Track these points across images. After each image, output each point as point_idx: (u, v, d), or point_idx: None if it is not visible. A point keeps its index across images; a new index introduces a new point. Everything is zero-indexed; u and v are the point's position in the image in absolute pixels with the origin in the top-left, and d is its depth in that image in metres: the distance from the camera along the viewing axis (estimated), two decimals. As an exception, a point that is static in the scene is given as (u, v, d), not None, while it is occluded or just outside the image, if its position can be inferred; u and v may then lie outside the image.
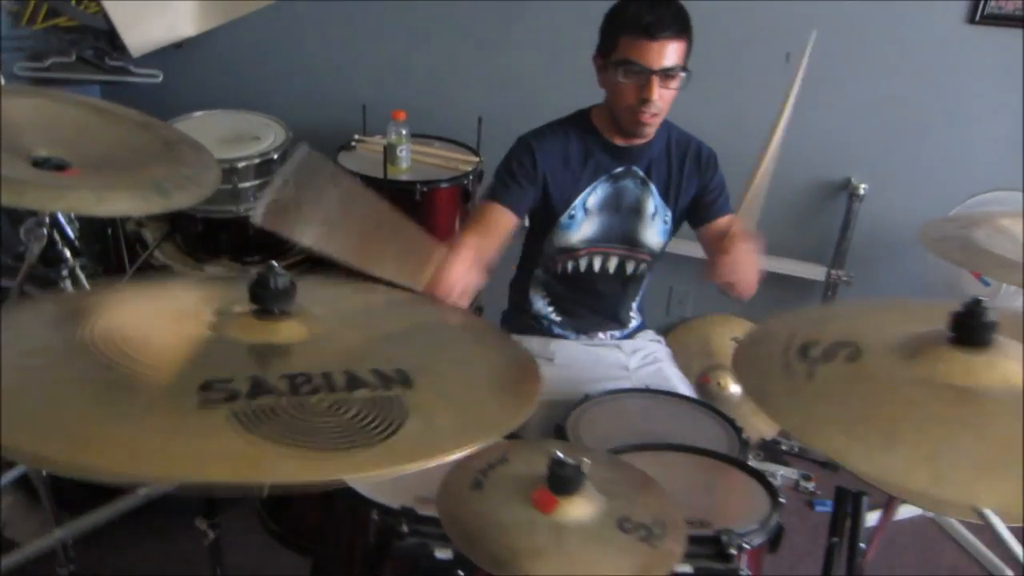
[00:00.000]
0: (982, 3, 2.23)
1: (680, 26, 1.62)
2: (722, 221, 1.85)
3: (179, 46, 2.78)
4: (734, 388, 2.63)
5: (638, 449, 1.44)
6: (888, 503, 1.45)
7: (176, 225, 2.58)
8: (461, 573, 1.10)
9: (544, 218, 1.82)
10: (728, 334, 2.74)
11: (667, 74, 1.62)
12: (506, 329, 2.01)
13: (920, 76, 2.34)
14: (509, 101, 2.64)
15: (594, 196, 1.80)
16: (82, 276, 2.37)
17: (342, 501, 1.25)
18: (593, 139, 1.79)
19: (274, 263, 0.82)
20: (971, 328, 0.86)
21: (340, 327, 0.85)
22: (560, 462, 0.99)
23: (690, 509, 1.27)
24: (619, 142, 1.78)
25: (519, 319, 1.98)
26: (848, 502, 1.60)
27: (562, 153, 1.77)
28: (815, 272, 2.56)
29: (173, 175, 1.39)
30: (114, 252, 2.72)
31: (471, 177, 2.41)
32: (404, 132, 2.36)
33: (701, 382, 2.64)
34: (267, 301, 0.82)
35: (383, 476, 0.68)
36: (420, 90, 2.68)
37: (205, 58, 2.84)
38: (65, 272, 1.71)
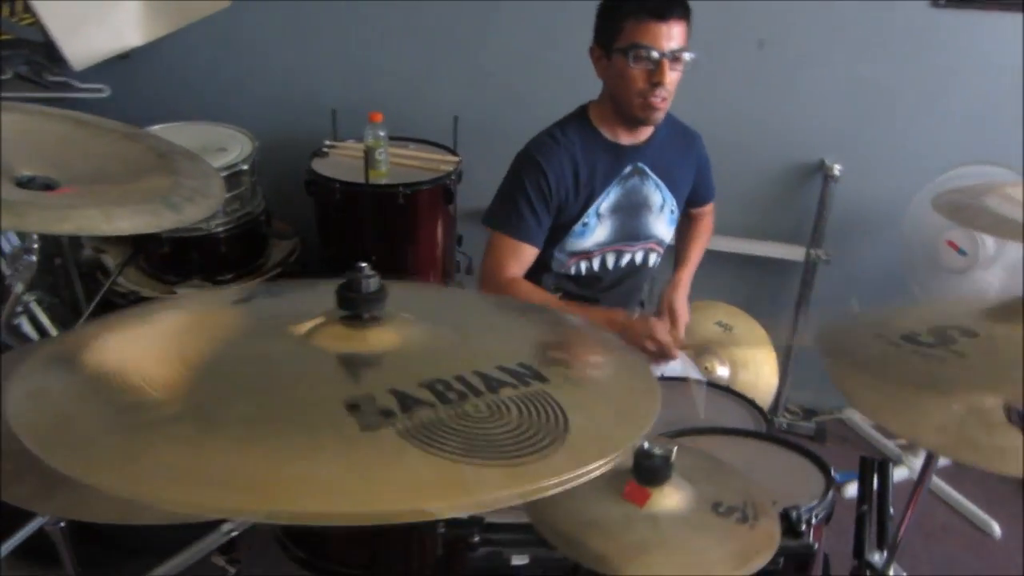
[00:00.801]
0: (945, -15, 2.32)
1: (685, 6, 1.62)
2: (703, 209, 2.01)
3: (126, 57, 2.61)
4: (722, 371, 2.65)
5: (680, 435, 1.43)
6: (916, 486, 1.47)
7: (140, 247, 2.44)
8: (539, 572, 1.06)
9: (557, 230, 1.79)
10: (712, 319, 2.75)
11: (675, 56, 1.61)
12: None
13: (888, 59, 2.41)
14: (484, 99, 2.60)
15: (607, 202, 1.78)
16: (39, 312, 2.23)
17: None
18: (597, 142, 1.75)
19: (363, 264, 0.76)
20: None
21: (424, 328, 0.79)
22: (647, 453, 0.96)
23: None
24: (623, 140, 1.76)
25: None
26: (872, 471, 1.62)
27: (572, 167, 1.73)
28: (794, 253, 2.61)
29: (177, 187, 1.30)
30: (64, 283, 2.55)
31: (452, 177, 2.36)
32: (382, 134, 2.29)
33: (690, 367, 2.66)
34: (359, 306, 0.75)
35: (580, 479, 0.61)
36: (390, 91, 2.61)
37: (156, 69, 2.70)
38: (20, 309, 1.56)
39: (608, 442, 0.66)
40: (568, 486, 0.59)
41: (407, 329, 0.77)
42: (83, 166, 1.37)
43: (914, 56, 2.39)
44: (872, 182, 2.52)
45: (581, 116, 1.77)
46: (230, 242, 2.39)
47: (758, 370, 2.49)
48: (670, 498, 0.95)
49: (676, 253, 2.02)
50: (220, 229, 2.34)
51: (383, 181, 2.31)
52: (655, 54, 1.59)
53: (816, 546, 1.15)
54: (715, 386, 1.74)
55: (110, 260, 2.47)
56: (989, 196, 1.49)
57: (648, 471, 0.95)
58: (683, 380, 1.73)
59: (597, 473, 0.62)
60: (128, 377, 0.71)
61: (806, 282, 2.65)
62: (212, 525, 1.10)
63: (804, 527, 1.15)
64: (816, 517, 1.19)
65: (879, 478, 1.62)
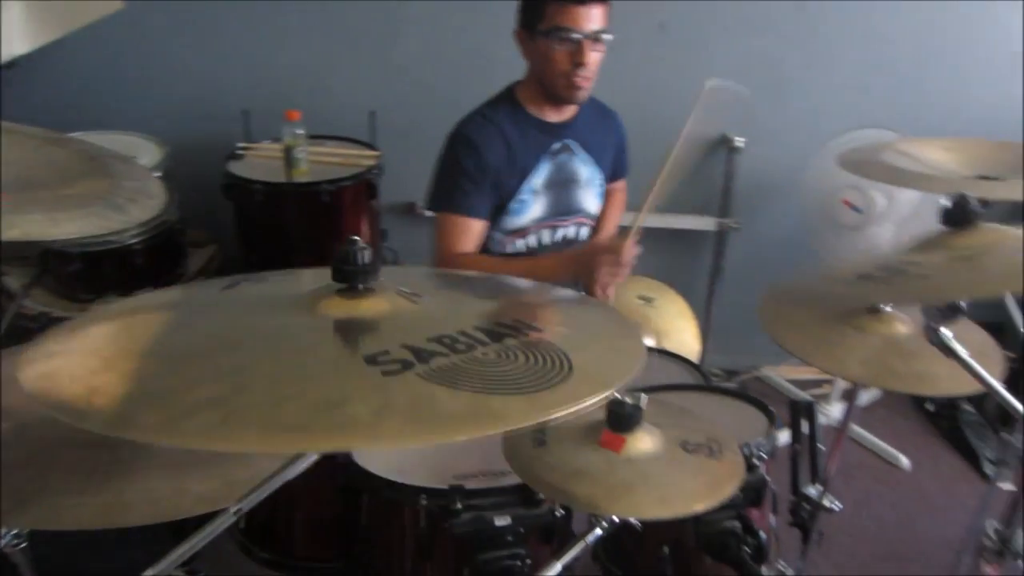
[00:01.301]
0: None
1: None
2: (617, 183, 2.09)
3: (10, 66, 2.46)
4: (647, 340, 2.77)
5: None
6: (844, 420, 1.61)
7: (47, 266, 2.32)
8: (521, 530, 1.11)
9: (493, 209, 1.83)
10: (633, 293, 2.86)
11: (596, 37, 1.68)
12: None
13: (777, 36, 2.58)
14: (399, 94, 2.61)
15: (538, 178, 1.83)
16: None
17: (376, 498, 1.21)
18: (526, 120, 1.81)
19: (356, 237, 0.78)
20: (964, 216, 1.00)
21: (417, 300, 0.82)
22: (619, 402, 1.02)
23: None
24: (550, 118, 1.82)
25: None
26: (802, 414, 1.75)
27: (504, 143, 1.77)
28: (706, 224, 2.75)
29: (117, 189, 1.27)
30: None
31: (374, 172, 2.37)
32: (300, 132, 2.27)
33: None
34: (354, 278, 0.78)
35: (595, 406, 0.66)
36: (303, 90, 2.58)
37: (46, 77, 2.56)
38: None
39: (609, 375, 0.71)
40: (581, 409, 0.64)
41: (397, 299, 0.80)
42: (9, 173, 1.32)
43: (799, 33, 2.57)
44: (772, 151, 2.68)
45: (509, 96, 1.83)
46: (146, 253, 2.30)
47: (680, 338, 2.61)
48: (643, 442, 1.01)
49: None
50: (135, 240, 2.26)
51: (305, 179, 2.29)
52: (576, 35, 1.66)
53: (768, 478, 1.25)
54: (652, 349, 1.83)
55: (13, 282, 2.34)
56: (885, 152, 1.64)
57: (621, 419, 1.02)
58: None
59: (604, 399, 0.67)
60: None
61: (719, 251, 2.80)
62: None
63: (756, 461, 1.24)
64: (765, 453, 1.28)
65: (808, 420, 1.75)
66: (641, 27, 2.55)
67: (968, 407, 2.80)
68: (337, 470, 1.22)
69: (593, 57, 1.69)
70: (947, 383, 1.28)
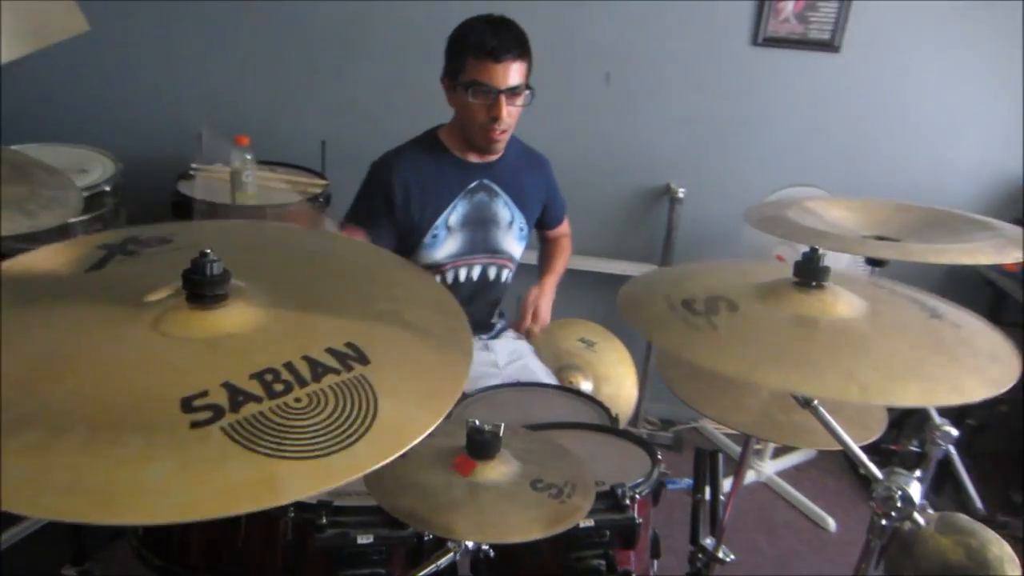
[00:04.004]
0: (762, 27, 2.60)
1: (522, 47, 1.76)
2: (560, 228, 2.17)
3: (-22, 79, 2.55)
4: (586, 385, 2.80)
5: (535, 429, 1.54)
6: (738, 468, 1.65)
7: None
8: (383, 549, 1.14)
9: (407, 241, 1.89)
10: (574, 336, 2.91)
11: (513, 92, 1.75)
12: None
13: (718, 91, 2.67)
14: (350, 125, 2.68)
15: (455, 215, 1.89)
16: None
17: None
18: (445, 158, 1.88)
19: (207, 249, 0.82)
20: (812, 272, 1.05)
21: (267, 301, 0.85)
22: (478, 429, 1.06)
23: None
24: (471, 158, 1.89)
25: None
26: (707, 461, 1.78)
27: (417, 176, 1.84)
28: (647, 271, 2.80)
29: (34, 196, 1.32)
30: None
31: (321, 199, 2.42)
32: (248, 157, 2.33)
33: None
34: (204, 288, 0.81)
35: (381, 465, 0.68)
36: (257, 117, 2.66)
37: (14, 91, 2.62)
38: None
39: (409, 430, 0.73)
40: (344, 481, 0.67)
41: (250, 307, 0.83)
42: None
43: (739, 89, 2.67)
44: (712, 203, 2.76)
45: (431, 135, 1.91)
46: (89, 264, 2.34)
47: (620, 383, 2.64)
48: (494, 471, 1.05)
49: (540, 268, 2.16)
50: (78, 251, 2.30)
51: (251, 203, 2.34)
52: (493, 91, 1.72)
53: (639, 520, 1.28)
54: (561, 388, 1.87)
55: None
56: (791, 209, 1.70)
57: (477, 445, 1.05)
58: (540, 384, 1.86)
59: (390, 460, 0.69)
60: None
61: (659, 297, 2.85)
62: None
63: (628, 502, 1.27)
64: (640, 493, 1.31)
65: (711, 469, 1.79)
66: (587, 77, 2.64)
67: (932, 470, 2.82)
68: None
69: (509, 111, 1.76)
70: (825, 438, 1.32)
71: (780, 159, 2.73)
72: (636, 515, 1.28)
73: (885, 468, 1.12)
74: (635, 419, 2.87)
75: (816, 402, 1.10)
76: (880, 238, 1.63)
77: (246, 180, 2.34)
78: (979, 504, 1.69)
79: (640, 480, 1.35)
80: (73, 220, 2.26)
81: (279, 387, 0.74)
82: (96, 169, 2.35)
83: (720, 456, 1.76)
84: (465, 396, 1.76)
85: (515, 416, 1.72)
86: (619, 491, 1.28)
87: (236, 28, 2.63)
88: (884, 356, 0.94)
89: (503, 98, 1.73)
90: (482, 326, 2.07)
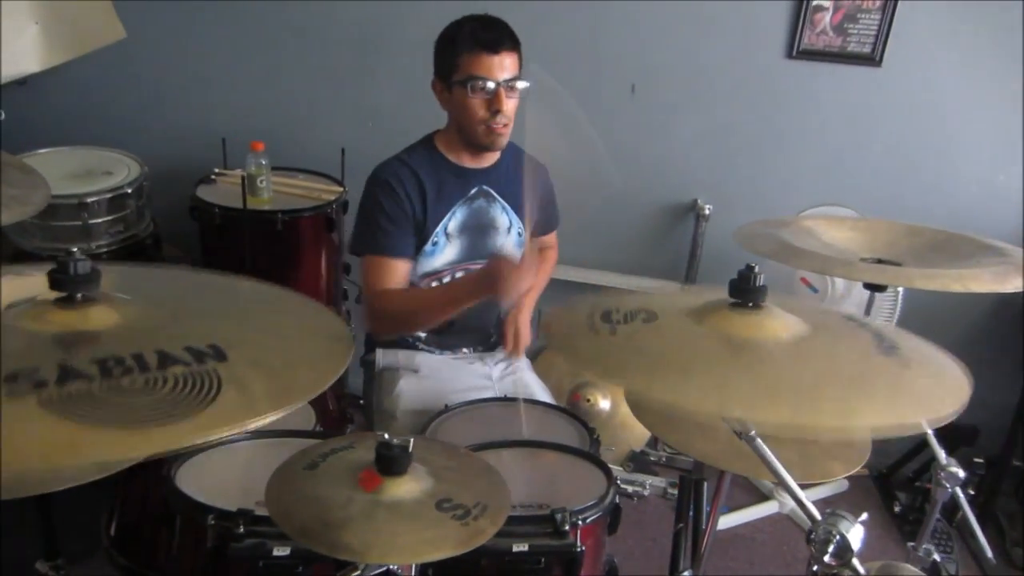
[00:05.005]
0: (798, 39, 2.48)
1: (514, 39, 1.73)
2: (547, 239, 2.11)
3: (23, 83, 2.68)
4: (604, 403, 2.73)
5: (494, 447, 1.49)
6: (717, 485, 1.55)
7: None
8: (300, 569, 1.11)
9: (415, 246, 1.85)
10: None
11: (510, 84, 1.72)
12: (370, 346, 2.03)
13: (749, 105, 2.56)
14: (371, 132, 2.69)
15: (454, 221, 1.86)
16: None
17: (180, 512, 1.23)
18: (443, 165, 1.85)
19: (74, 248, 0.82)
20: (746, 291, 0.97)
21: (150, 309, 0.86)
22: (387, 444, 1.02)
23: (532, 495, 1.33)
24: (468, 164, 1.86)
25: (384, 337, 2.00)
26: (690, 489, 1.69)
27: (418, 186, 1.82)
28: (671, 289, 2.71)
29: (-8, 194, 1.36)
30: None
31: (334, 207, 2.43)
32: (264, 163, 2.36)
33: (572, 400, 2.72)
34: (69, 287, 0.81)
35: (201, 442, 0.70)
36: (282, 123, 2.70)
37: (52, 95, 2.75)
38: None
39: (238, 417, 0.73)
40: (164, 451, 0.67)
41: (117, 310, 0.83)
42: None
43: (772, 102, 2.55)
44: (739, 221, 2.60)
45: (427, 142, 1.88)
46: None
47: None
48: (400, 488, 1.00)
49: None
50: (102, 250, 2.37)
51: (264, 208, 2.37)
52: (491, 84, 1.70)
53: (581, 547, 1.21)
54: (548, 405, 1.80)
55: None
56: (786, 228, 1.61)
57: (385, 460, 1.01)
58: (527, 401, 1.80)
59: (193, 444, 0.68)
60: None
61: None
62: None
63: (567, 527, 1.20)
64: (584, 519, 1.24)
65: (694, 499, 1.69)
66: (612, 89, 2.58)
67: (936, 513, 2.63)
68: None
69: (510, 104, 1.73)
70: (800, 471, 1.23)
71: (812, 177, 2.60)
72: (578, 542, 1.21)
73: (827, 510, 1.03)
74: (654, 440, 2.77)
75: (753, 432, 1.02)
76: (880, 261, 1.52)
77: (261, 185, 2.38)
78: (989, 553, 1.54)
79: (589, 504, 1.28)
80: (96, 221, 2.35)
81: (117, 371, 0.76)
82: (121, 172, 2.43)
83: (704, 484, 1.67)
84: (448, 408, 1.73)
85: (492, 432, 1.67)
86: (558, 516, 1.21)
87: (263, 36, 2.68)
88: (786, 380, 0.87)
89: (502, 91, 1.71)
90: (480, 338, 2.02)
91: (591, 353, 0.94)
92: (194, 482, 1.24)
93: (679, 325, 0.97)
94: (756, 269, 0.98)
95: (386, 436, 1.03)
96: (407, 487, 1.01)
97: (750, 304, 0.98)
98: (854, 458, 1.30)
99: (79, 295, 0.82)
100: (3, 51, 2.56)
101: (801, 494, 1.01)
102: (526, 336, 1.91)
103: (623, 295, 1.19)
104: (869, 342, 0.99)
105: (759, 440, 1.02)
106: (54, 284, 0.81)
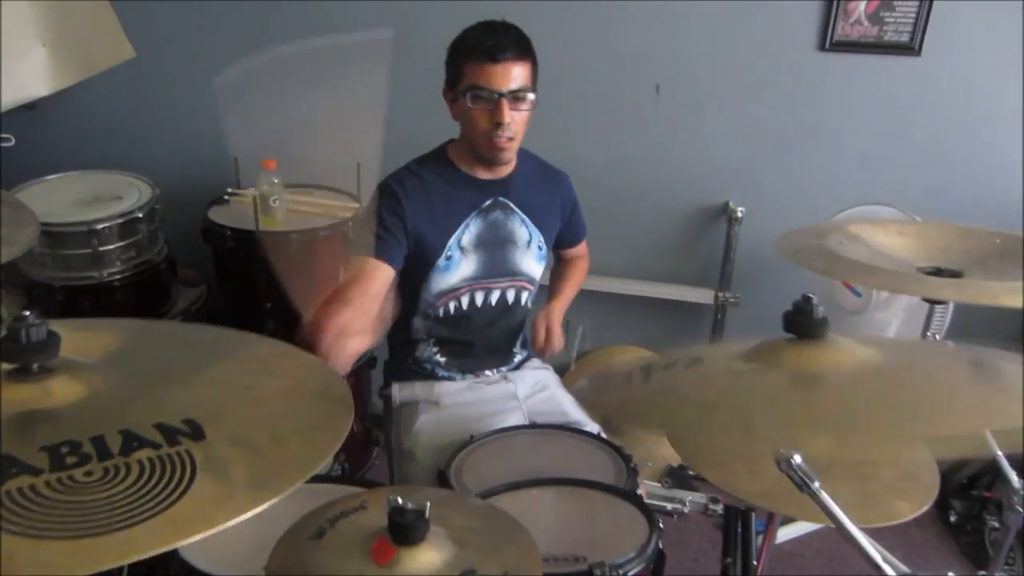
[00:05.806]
0: (831, 31, 2.34)
1: (522, 48, 1.62)
2: (576, 250, 2.02)
3: (32, 107, 2.62)
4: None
5: (516, 488, 1.39)
6: (769, 519, 1.43)
7: (32, 296, 2.41)
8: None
9: (419, 265, 1.76)
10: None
11: (515, 96, 1.61)
12: (388, 377, 1.94)
13: (781, 101, 2.43)
14: (387, 145, 2.60)
15: (468, 234, 1.76)
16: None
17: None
18: (455, 176, 1.76)
19: (26, 312, 0.73)
20: (805, 326, 0.86)
21: (121, 376, 0.76)
22: (400, 509, 0.92)
23: (566, 545, 1.22)
24: (481, 175, 1.76)
25: (401, 366, 1.91)
26: (736, 520, 1.58)
27: (426, 197, 1.73)
28: (704, 296, 2.59)
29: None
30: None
31: (351, 224, 2.35)
32: (276, 181, 2.29)
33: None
34: (21, 357, 0.72)
35: (167, 549, 0.58)
36: (295, 139, 2.61)
37: (62, 118, 2.70)
38: None
39: (212, 516, 0.62)
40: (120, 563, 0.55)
41: (81, 380, 0.74)
42: None
43: (804, 98, 2.41)
44: (774, 223, 2.46)
45: (439, 152, 1.79)
46: (125, 290, 2.36)
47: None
48: (417, 560, 0.90)
49: (550, 290, 2.01)
50: (114, 277, 2.32)
51: (279, 228, 2.29)
52: (493, 95, 1.60)
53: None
54: (582, 432, 1.69)
55: (4, 311, 2.43)
56: (830, 236, 1.48)
57: (400, 529, 0.91)
58: (557, 427, 1.70)
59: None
60: None
61: (717, 324, 2.63)
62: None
63: (606, 583, 1.10)
64: (626, 574, 1.14)
65: (743, 528, 1.58)
66: (635, 89, 2.46)
67: (994, 521, 2.49)
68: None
69: (514, 116, 1.62)
70: (856, 514, 1.11)
71: (850, 175, 2.45)
72: (617, 601, 1.11)
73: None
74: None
75: (817, 484, 0.90)
76: (939, 271, 1.39)
77: (274, 205, 2.30)
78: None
79: (630, 557, 1.17)
80: (107, 248, 2.29)
81: (72, 460, 0.65)
82: (131, 196, 2.37)
83: (752, 514, 1.56)
84: (472, 439, 1.63)
85: (520, 465, 1.57)
86: (597, 572, 1.11)
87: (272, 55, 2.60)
88: (860, 412, 0.78)
89: (505, 102, 1.60)
90: (502, 357, 1.92)
91: (616, 401, 0.84)
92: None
93: (726, 366, 0.86)
94: (815, 300, 0.87)
95: (399, 500, 0.92)
96: (425, 558, 0.91)
97: (808, 339, 0.86)
98: (922, 496, 1.17)
99: (35, 365, 0.72)
100: (11, 75, 2.51)
101: (873, 551, 0.90)
102: (558, 336, 1.83)
103: (674, 350, 1.08)
104: (949, 365, 0.87)
105: (823, 493, 0.91)
106: (4, 355, 0.72)
